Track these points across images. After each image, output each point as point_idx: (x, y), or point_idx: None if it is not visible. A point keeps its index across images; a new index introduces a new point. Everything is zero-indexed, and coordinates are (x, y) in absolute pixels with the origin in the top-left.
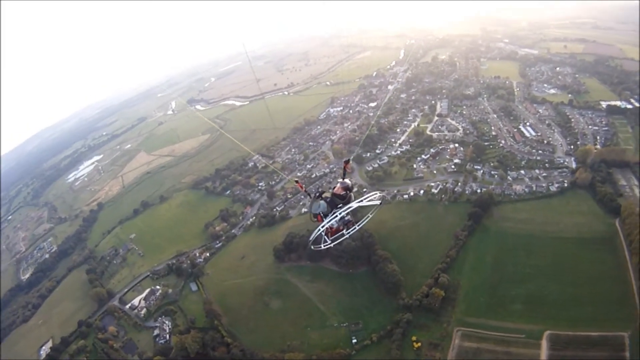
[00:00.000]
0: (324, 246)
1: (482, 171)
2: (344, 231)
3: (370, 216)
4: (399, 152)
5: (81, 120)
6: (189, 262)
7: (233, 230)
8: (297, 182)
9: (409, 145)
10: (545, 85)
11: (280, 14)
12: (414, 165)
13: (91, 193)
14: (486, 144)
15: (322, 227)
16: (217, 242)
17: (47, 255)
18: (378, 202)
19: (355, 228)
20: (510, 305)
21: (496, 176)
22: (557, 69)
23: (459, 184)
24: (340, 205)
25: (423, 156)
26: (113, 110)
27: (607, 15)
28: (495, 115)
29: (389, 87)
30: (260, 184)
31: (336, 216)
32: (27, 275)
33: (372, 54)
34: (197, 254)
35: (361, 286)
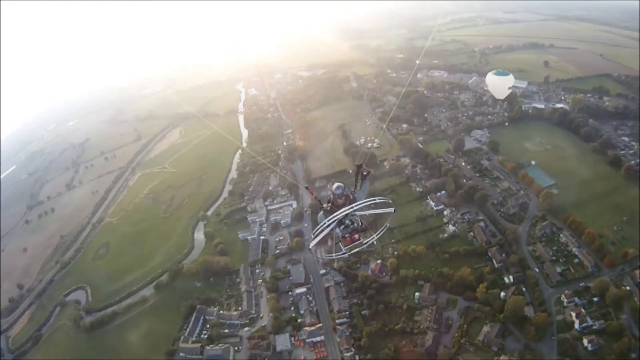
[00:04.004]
0: (336, 256)
1: None
2: (362, 240)
3: (388, 225)
4: None
5: None
6: None
7: None
8: (307, 188)
9: None
10: None
11: None
12: None
13: None
14: None
15: (315, 233)
16: None
17: None
18: (392, 209)
19: (374, 237)
20: None
21: None
22: None
23: None
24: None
25: None
26: None
27: None
28: None
29: None
30: None
31: (331, 223)
32: None
33: (185, 131)
34: None
35: None
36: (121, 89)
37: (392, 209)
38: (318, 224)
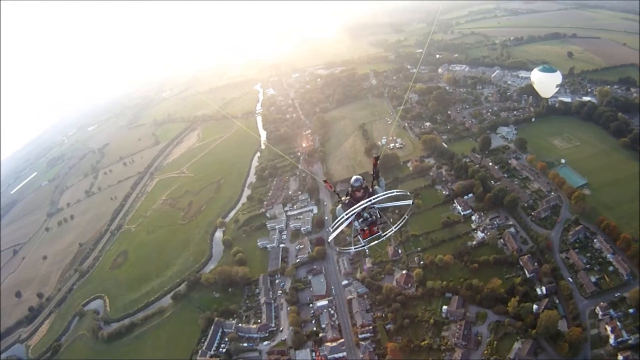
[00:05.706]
0: (355, 249)
1: None
2: (380, 232)
3: (407, 217)
4: None
5: None
6: None
7: None
8: (325, 182)
9: None
10: None
11: None
12: None
13: None
14: None
15: (334, 226)
16: None
17: None
18: (409, 202)
19: (392, 229)
20: None
21: None
22: None
23: None
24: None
25: None
26: None
27: None
28: None
29: None
30: None
31: (349, 218)
32: None
33: (203, 134)
34: None
35: None
36: (143, 91)
37: (410, 201)
38: (336, 218)
